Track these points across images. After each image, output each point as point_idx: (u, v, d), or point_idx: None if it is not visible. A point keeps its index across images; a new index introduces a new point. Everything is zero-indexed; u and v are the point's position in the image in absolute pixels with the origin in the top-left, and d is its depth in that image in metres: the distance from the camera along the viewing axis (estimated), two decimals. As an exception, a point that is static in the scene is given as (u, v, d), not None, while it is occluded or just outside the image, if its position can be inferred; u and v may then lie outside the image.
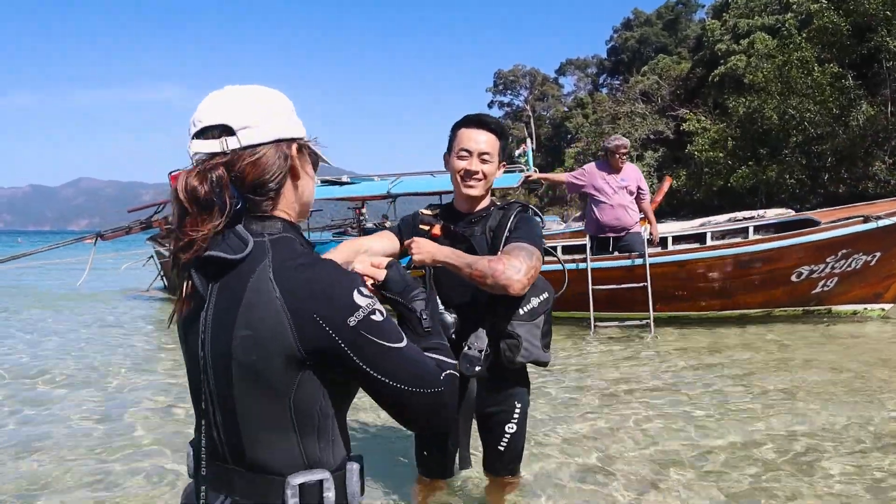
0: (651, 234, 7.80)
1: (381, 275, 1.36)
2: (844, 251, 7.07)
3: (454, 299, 2.38)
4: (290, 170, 1.25)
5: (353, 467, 1.24)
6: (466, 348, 2.33)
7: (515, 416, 2.56)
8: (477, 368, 2.31)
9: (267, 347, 1.12)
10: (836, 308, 7.55)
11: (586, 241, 7.69)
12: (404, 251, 2.40)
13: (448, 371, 1.23)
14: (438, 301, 2.30)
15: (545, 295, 2.37)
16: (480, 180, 2.40)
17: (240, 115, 1.20)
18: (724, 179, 24.38)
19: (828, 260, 7.11)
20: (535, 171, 8.84)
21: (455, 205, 2.52)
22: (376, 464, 3.59)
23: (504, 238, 2.35)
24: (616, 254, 7.51)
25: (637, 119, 36.57)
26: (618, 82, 54.62)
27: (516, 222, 2.38)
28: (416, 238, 2.25)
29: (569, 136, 55.61)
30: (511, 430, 2.56)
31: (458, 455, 2.60)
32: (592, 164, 7.82)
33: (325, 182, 10.76)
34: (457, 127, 2.46)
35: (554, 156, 56.18)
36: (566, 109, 63.28)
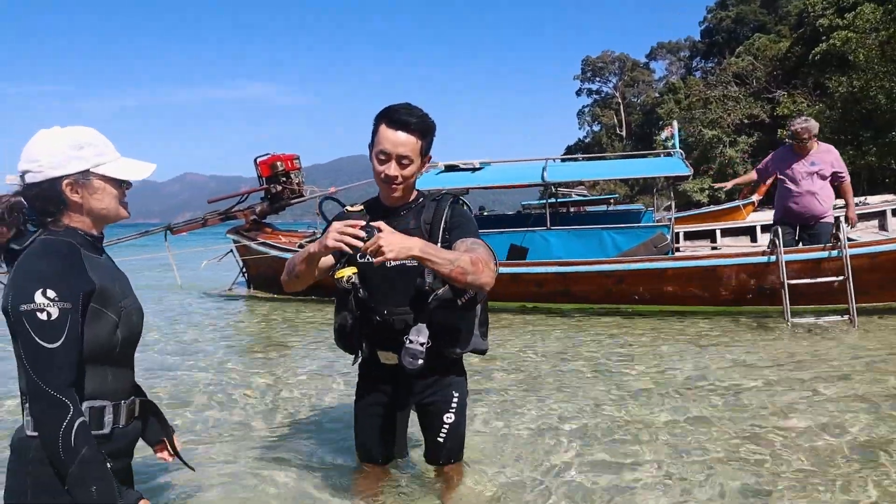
0: (848, 217, 7.24)
1: None
2: None
3: (392, 294, 2.36)
4: (63, 199, 1.73)
5: (78, 412, 1.62)
6: (408, 342, 2.26)
7: (453, 406, 2.52)
8: (420, 362, 2.25)
9: (4, 304, 1.62)
10: None
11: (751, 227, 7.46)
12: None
13: (61, 412, 1.59)
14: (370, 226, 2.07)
15: None
16: (401, 184, 2.32)
17: (26, 162, 1.72)
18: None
19: None
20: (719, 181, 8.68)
21: (381, 199, 2.45)
22: (318, 453, 3.56)
23: (443, 230, 2.32)
24: (801, 245, 7.25)
25: (730, 103, 34.88)
26: (712, 65, 52.33)
27: (452, 215, 2.36)
28: (383, 234, 1.99)
29: (660, 123, 53.92)
30: (449, 421, 2.52)
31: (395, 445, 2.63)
32: (781, 148, 7.49)
33: (450, 168, 9.34)
34: (377, 120, 2.31)
35: (645, 143, 54.58)
36: (657, 95, 61.14)
